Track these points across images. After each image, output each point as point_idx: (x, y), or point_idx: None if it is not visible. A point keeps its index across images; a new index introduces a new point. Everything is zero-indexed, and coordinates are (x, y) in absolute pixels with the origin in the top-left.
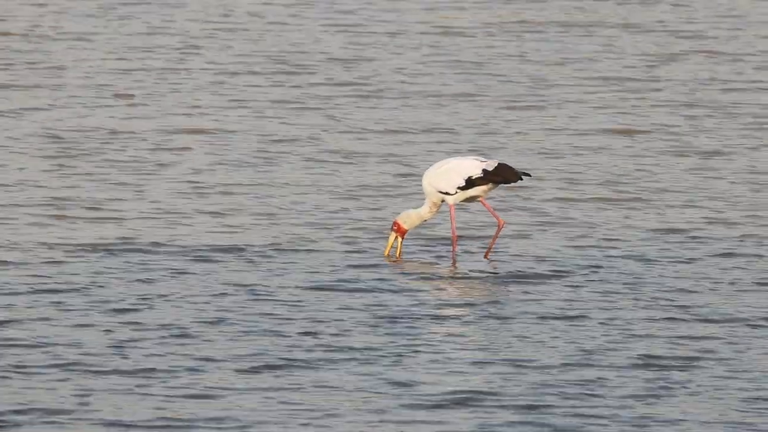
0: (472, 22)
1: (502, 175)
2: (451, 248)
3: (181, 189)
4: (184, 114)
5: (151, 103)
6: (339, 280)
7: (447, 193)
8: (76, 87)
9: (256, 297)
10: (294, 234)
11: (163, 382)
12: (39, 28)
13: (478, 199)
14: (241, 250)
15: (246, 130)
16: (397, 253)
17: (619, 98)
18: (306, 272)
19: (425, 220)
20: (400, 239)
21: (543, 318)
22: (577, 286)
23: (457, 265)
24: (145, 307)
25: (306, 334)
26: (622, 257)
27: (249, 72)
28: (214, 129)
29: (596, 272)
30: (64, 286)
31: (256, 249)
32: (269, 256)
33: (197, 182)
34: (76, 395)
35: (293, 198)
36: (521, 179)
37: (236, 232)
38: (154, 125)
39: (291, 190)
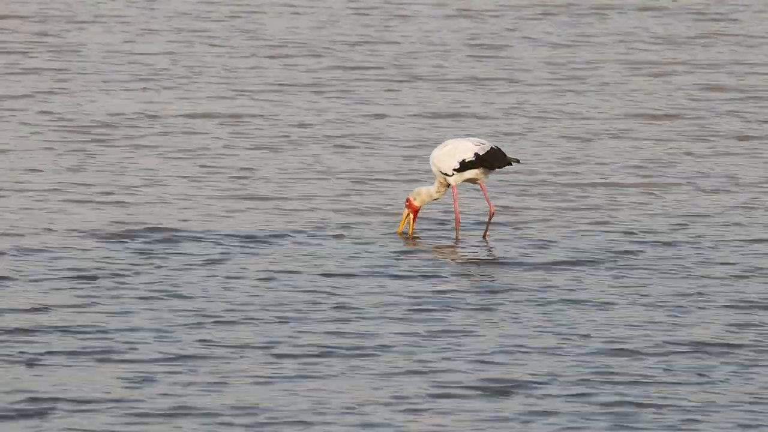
0: (493, 3)
1: (490, 160)
2: (484, 228)
3: (210, 174)
4: (213, 98)
5: (178, 87)
6: (366, 266)
7: (446, 174)
8: (98, 70)
9: (282, 283)
10: (323, 219)
11: (192, 370)
12: (53, 11)
13: (477, 181)
14: (267, 236)
15: (272, 115)
16: (410, 230)
17: (646, 82)
18: (326, 258)
19: (435, 199)
20: (412, 216)
21: (569, 302)
22: (605, 272)
23: (481, 249)
24: (176, 294)
25: (333, 321)
26: (649, 243)
27: (268, 56)
28: (241, 114)
29: (623, 258)
30: (96, 273)
31: (280, 235)
32: (299, 242)
33: (224, 167)
34: (109, 383)
35: (322, 184)
36: (510, 165)
37: (269, 218)
38: (182, 108)
39: (320, 175)
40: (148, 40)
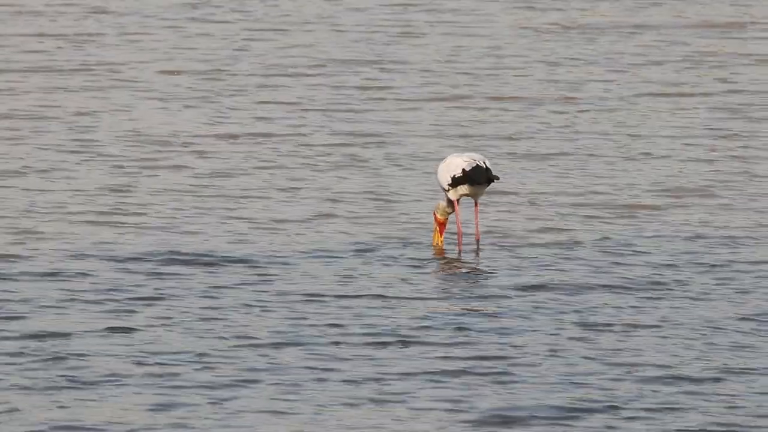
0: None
1: (473, 176)
2: (480, 244)
3: (242, 196)
4: (237, 117)
5: (201, 106)
6: (411, 288)
7: (444, 189)
8: (130, 88)
9: (325, 305)
10: (364, 240)
11: (235, 394)
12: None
13: (474, 199)
14: (307, 258)
15: (298, 133)
16: (436, 242)
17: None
18: (368, 279)
19: (449, 213)
20: (437, 229)
21: (587, 326)
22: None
23: (505, 270)
24: (216, 317)
25: (366, 344)
26: (690, 265)
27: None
28: (259, 132)
29: (662, 283)
30: (127, 295)
31: (320, 257)
32: (340, 263)
33: (255, 188)
34: (144, 408)
35: (365, 204)
36: (490, 182)
37: (307, 239)
38: (205, 129)
39: (362, 196)
40: (184, 56)
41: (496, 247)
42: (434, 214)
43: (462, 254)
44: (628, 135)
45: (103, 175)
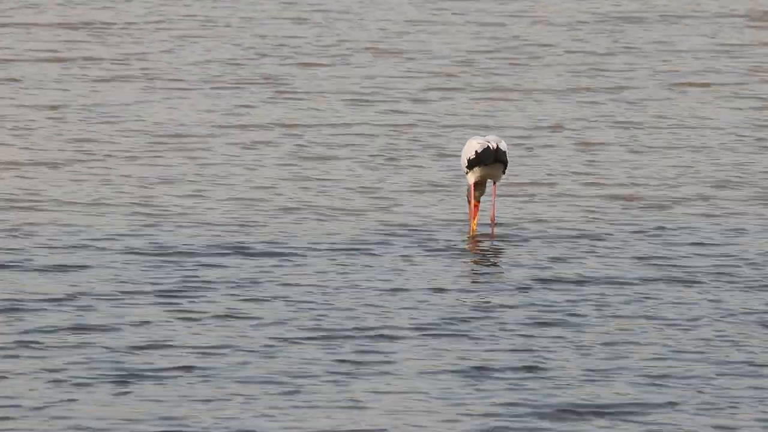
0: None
1: (481, 158)
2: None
3: (280, 185)
4: (282, 106)
5: (249, 95)
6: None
7: (465, 172)
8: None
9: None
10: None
11: (265, 390)
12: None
13: (492, 181)
14: (351, 249)
15: (343, 123)
16: (472, 226)
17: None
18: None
19: (479, 194)
20: (470, 212)
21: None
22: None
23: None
24: (244, 307)
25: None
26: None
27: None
28: (302, 122)
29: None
30: (171, 288)
31: (340, 245)
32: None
33: (291, 178)
34: (198, 401)
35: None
36: (498, 162)
37: (348, 229)
38: (250, 119)
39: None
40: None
41: (536, 238)
42: (467, 197)
43: (493, 242)
44: (678, 126)
45: (142, 167)
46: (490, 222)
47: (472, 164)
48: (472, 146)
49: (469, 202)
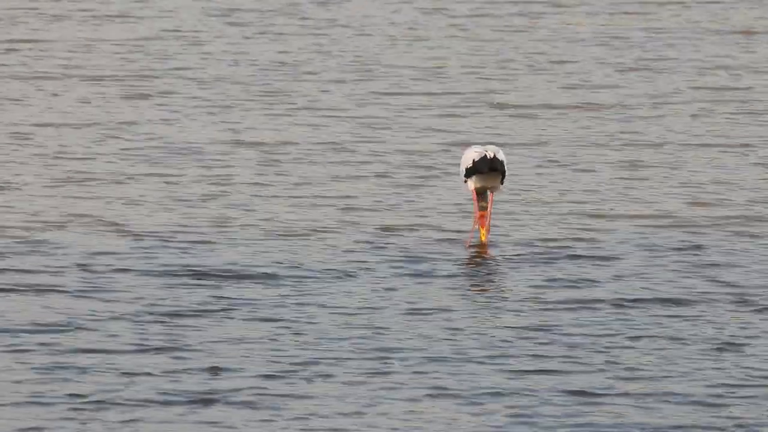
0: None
1: (477, 166)
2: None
3: (310, 205)
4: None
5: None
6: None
7: (464, 182)
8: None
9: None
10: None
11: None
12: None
13: (491, 191)
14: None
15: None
16: (482, 237)
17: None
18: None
19: (484, 205)
20: (477, 220)
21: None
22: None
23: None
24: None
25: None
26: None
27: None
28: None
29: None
30: (226, 305)
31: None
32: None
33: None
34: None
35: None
36: (495, 171)
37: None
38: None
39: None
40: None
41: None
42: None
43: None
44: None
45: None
46: (485, 230)
47: (469, 173)
48: (470, 155)
49: (481, 215)
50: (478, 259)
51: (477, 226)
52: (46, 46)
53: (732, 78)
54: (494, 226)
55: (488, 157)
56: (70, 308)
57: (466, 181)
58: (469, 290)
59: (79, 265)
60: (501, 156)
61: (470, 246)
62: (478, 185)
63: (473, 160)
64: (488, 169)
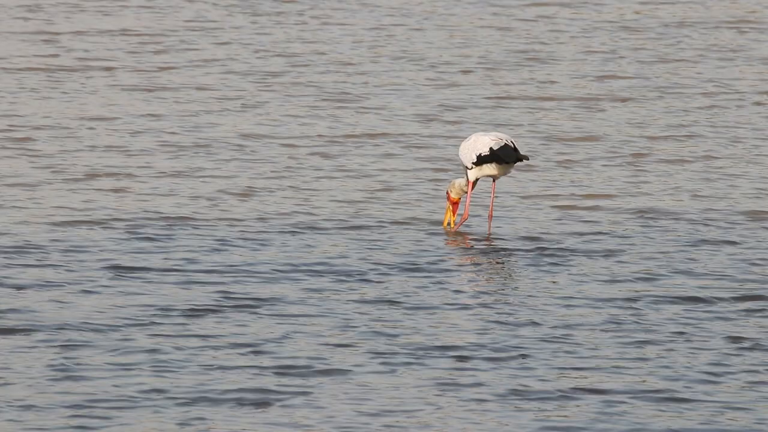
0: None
1: (501, 155)
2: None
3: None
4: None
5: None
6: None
7: (467, 168)
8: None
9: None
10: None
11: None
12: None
13: (494, 179)
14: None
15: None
16: (446, 221)
17: None
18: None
19: (465, 192)
20: (450, 208)
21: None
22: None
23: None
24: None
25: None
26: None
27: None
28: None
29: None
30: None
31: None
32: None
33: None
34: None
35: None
36: (520, 161)
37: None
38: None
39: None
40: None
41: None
42: (448, 192)
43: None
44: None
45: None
46: (488, 218)
47: (483, 160)
48: (484, 142)
49: (452, 200)
50: (483, 253)
51: (454, 213)
52: (72, 38)
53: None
54: (512, 219)
55: (511, 146)
56: (118, 305)
57: (471, 169)
58: (479, 286)
59: (113, 262)
60: (516, 144)
61: (466, 238)
62: (489, 174)
63: (491, 149)
64: (515, 160)
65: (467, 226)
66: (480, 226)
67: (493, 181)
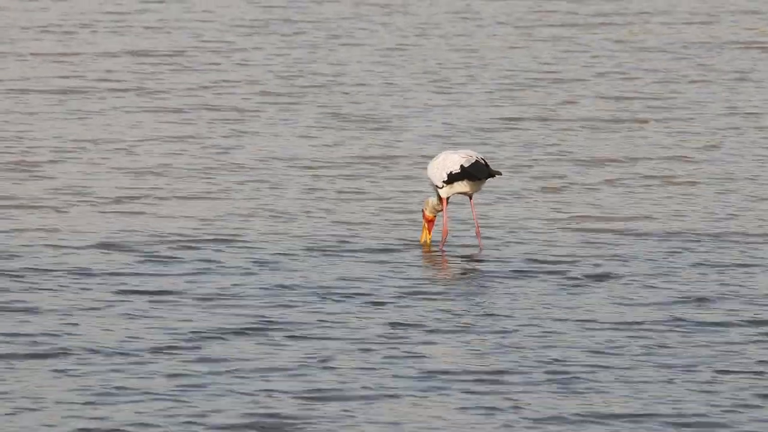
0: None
1: (473, 172)
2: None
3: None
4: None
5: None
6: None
7: (438, 187)
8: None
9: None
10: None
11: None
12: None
13: (468, 196)
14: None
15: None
16: (422, 240)
17: None
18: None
19: (438, 211)
20: (426, 226)
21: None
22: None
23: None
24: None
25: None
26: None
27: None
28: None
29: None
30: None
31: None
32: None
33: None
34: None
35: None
36: (492, 176)
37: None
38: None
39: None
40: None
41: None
42: (423, 211)
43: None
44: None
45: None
46: (476, 234)
47: (454, 178)
48: (454, 160)
49: (427, 217)
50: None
51: (429, 231)
52: (100, 59)
53: None
54: (502, 239)
55: (482, 162)
56: (191, 319)
57: (441, 187)
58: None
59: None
60: (486, 160)
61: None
62: (464, 190)
63: (462, 166)
64: (487, 176)
65: (486, 247)
66: (498, 249)
67: (470, 198)
